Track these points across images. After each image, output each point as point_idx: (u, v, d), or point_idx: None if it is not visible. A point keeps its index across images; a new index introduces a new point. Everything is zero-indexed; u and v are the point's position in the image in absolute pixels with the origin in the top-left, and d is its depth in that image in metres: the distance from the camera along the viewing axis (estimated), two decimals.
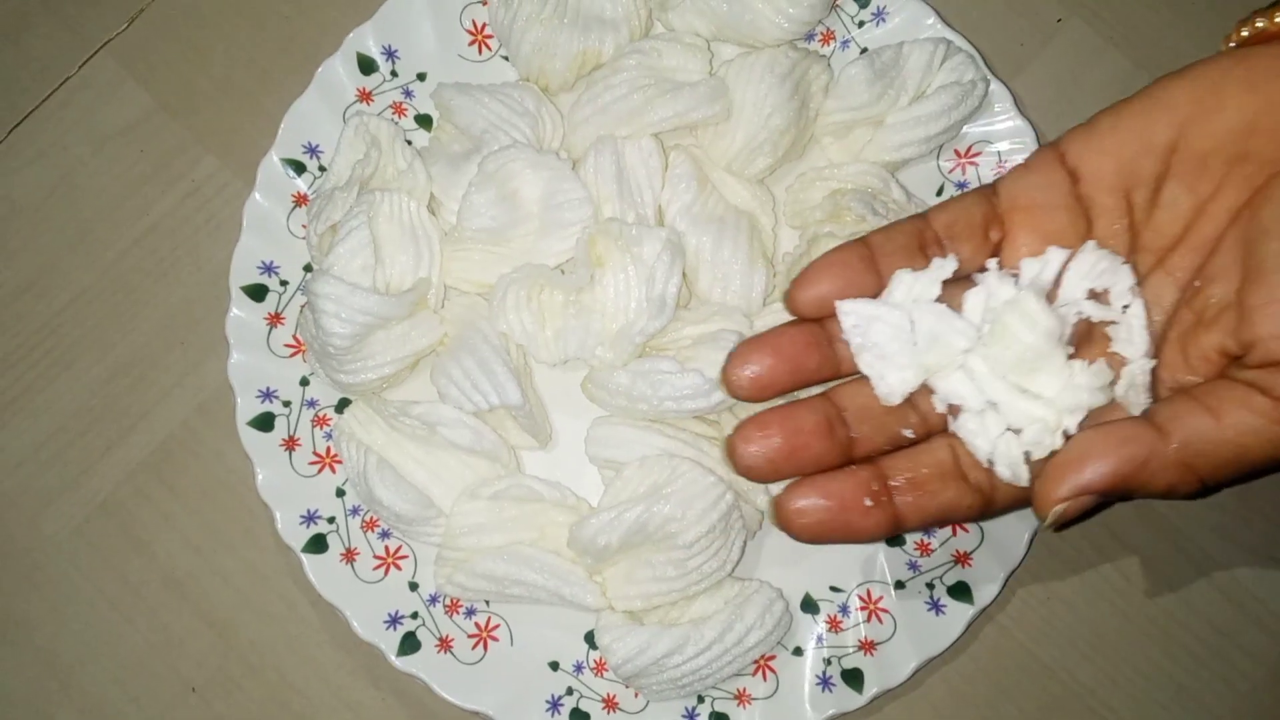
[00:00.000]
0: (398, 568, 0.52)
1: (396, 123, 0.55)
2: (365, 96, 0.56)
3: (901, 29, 0.56)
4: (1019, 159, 0.54)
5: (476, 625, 0.52)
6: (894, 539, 0.52)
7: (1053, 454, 0.36)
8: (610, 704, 0.51)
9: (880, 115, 0.53)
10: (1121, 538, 0.54)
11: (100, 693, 0.53)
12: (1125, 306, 0.38)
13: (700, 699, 0.51)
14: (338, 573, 0.51)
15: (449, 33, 0.56)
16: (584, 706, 0.51)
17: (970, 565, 0.51)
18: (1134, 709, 0.53)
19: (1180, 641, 0.53)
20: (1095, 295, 0.38)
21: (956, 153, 0.56)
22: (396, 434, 0.51)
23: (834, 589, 0.52)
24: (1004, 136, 0.55)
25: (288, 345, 0.54)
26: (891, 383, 0.37)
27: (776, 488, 0.49)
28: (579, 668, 0.51)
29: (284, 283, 0.54)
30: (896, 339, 0.36)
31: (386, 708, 0.53)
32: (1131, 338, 0.37)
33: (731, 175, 0.54)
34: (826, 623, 0.52)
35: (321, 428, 0.53)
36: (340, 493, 0.52)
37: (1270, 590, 0.54)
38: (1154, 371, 0.37)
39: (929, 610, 0.51)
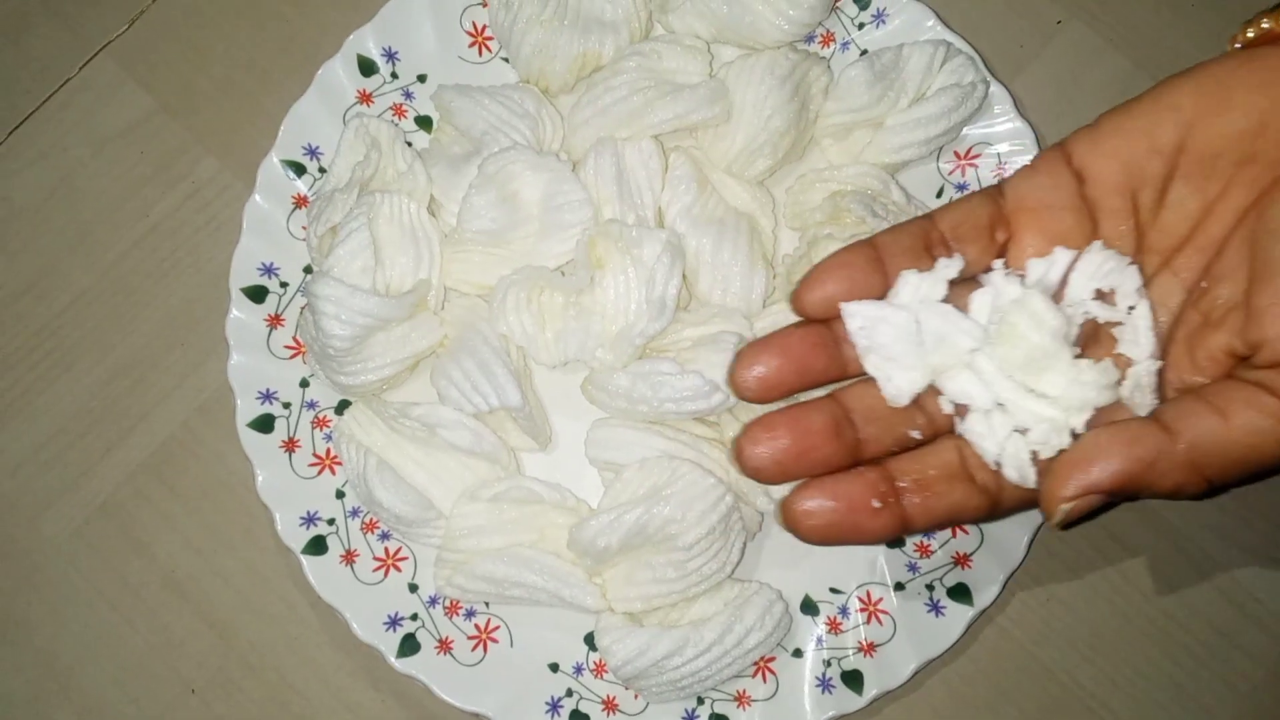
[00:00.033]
0: (397, 569, 0.52)
1: (397, 124, 0.55)
2: (365, 98, 0.56)
3: (901, 31, 0.56)
4: (1019, 160, 0.54)
5: (476, 627, 0.52)
6: (895, 540, 0.52)
7: (1060, 453, 0.36)
8: (610, 705, 0.51)
9: (880, 117, 0.53)
10: (1121, 539, 0.54)
11: (100, 694, 0.53)
12: (1131, 308, 0.38)
13: (700, 701, 0.51)
14: (337, 574, 0.51)
15: (449, 34, 0.57)
16: (584, 708, 0.51)
17: (970, 567, 0.51)
18: (1134, 710, 0.53)
19: (1180, 642, 0.53)
20: (1102, 295, 0.38)
21: (956, 154, 0.56)
22: (396, 436, 0.51)
23: (834, 591, 0.52)
24: (1004, 138, 0.55)
25: (288, 347, 0.54)
26: (899, 384, 0.37)
27: (777, 489, 0.49)
28: (579, 669, 0.52)
29: (284, 284, 0.54)
30: (903, 340, 0.36)
31: (386, 709, 0.53)
32: (1137, 339, 0.37)
33: (731, 177, 0.54)
34: (826, 624, 0.52)
35: (321, 429, 0.53)
36: (340, 494, 0.52)
37: (1270, 591, 0.54)
38: (1160, 372, 0.37)
39: (929, 612, 0.51)
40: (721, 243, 0.52)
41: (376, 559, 0.52)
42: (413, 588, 0.52)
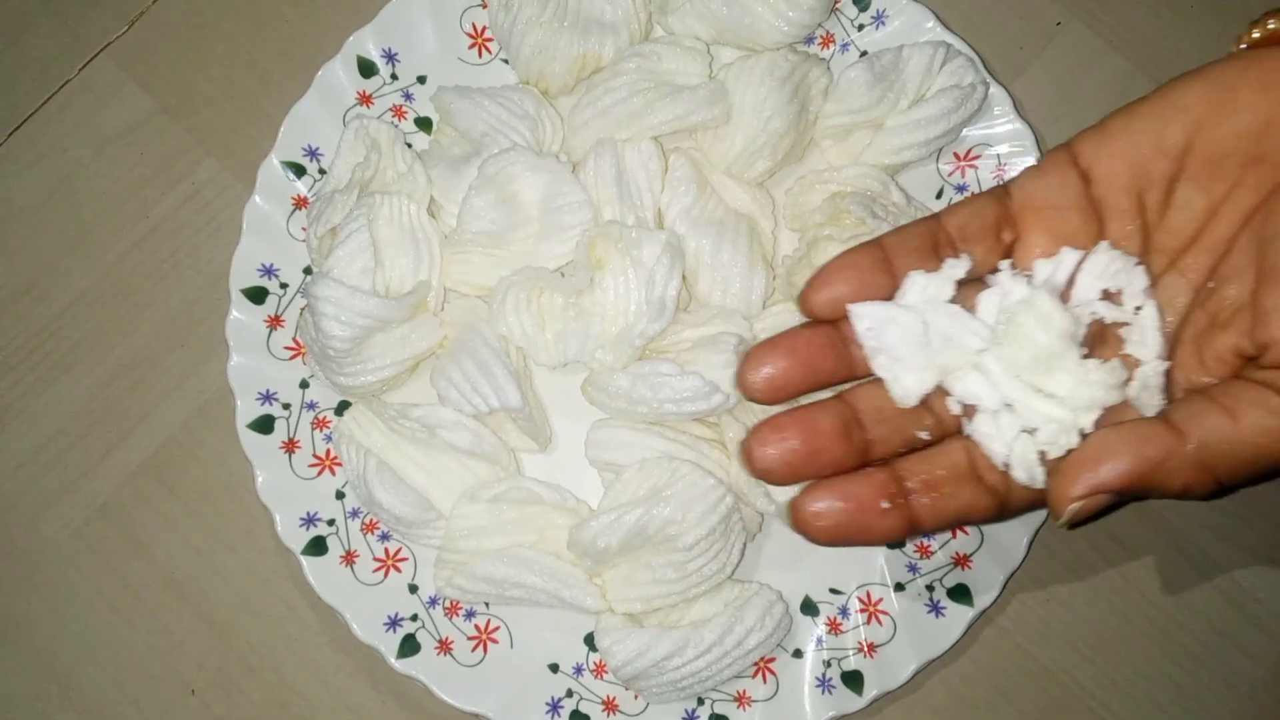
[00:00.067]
0: (397, 570, 0.52)
1: (396, 126, 0.55)
2: (365, 99, 0.56)
3: (901, 32, 0.56)
4: (1019, 162, 0.54)
5: (476, 627, 0.52)
6: (896, 541, 0.52)
7: (1069, 453, 0.36)
8: (610, 706, 0.51)
9: (880, 118, 0.53)
10: (1121, 539, 0.54)
11: (100, 694, 0.53)
12: (1138, 308, 0.38)
13: (700, 701, 0.51)
14: (337, 575, 0.51)
15: (449, 36, 0.57)
16: (584, 709, 0.51)
17: (970, 567, 0.52)
18: (1134, 710, 0.53)
19: (1180, 643, 0.53)
20: (1109, 296, 0.38)
21: (956, 156, 0.56)
22: (396, 436, 0.51)
23: (834, 591, 0.52)
24: (1004, 139, 0.55)
25: (288, 348, 0.54)
26: (907, 384, 0.37)
27: (777, 490, 0.49)
28: (579, 670, 0.52)
29: (284, 285, 0.54)
30: (911, 341, 0.36)
31: (386, 710, 0.53)
32: (1144, 339, 0.37)
33: (731, 178, 0.54)
34: (826, 625, 0.52)
35: (321, 430, 0.53)
36: (340, 495, 0.52)
37: (1270, 591, 0.54)
38: (1168, 373, 0.37)
39: (929, 612, 0.51)
40: (721, 244, 0.52)
41: (376, 560, 0.52)
42: (413, 588, 0.52)
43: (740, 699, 0.51)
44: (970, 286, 0.38)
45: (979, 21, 0.59)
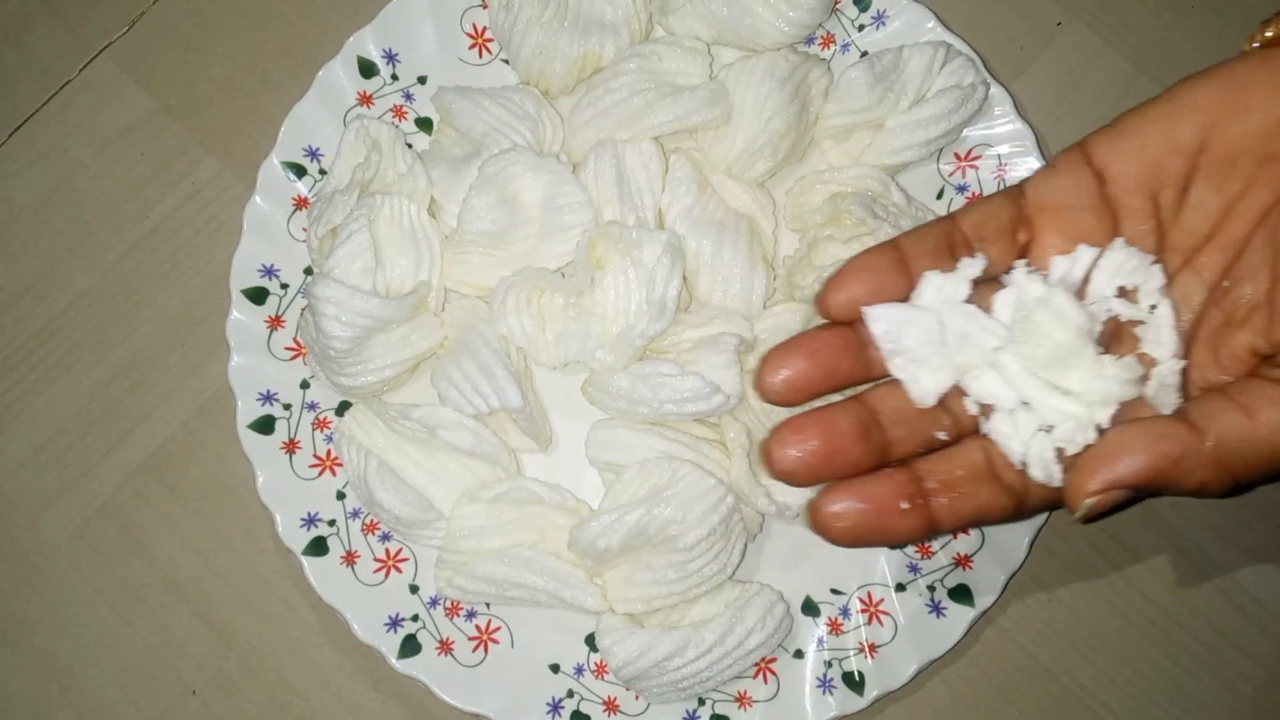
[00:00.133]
0: (398, 570, 0.52)
1: (397, 126, 0.55)
2: (366, 100, 0.56)
3: (901, 33, 0.56)
4: (1019, 162, 0.55)
5: (477, 628, 0.52)
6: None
7: (1086, 448, 0.36)
8: (611, 706, 0.51)
9: (880, 119, 0.53)
10: (1122, 539, 0.54)
11: (100, 695, 0.53)
12: (1153, 307, 0.38)
13: (701, 701, 0.51)
14: (338, 575, 0.51)
15: (449, 36, 0.57)
16: (585, 709, 0.51)
17: (971, 568, 0.52)
18: (1134, 711, 0.53)
19: (1180, 643, 0.53)
20: (1124, 293, 0.38)
21: (956, 156, 0.56)
22: (397, 437, 0.51)
23: (835, 592, 0.52)
24: (1004, 140, 0.55)
25: (288, 348, 0.54)
26: (925, 385, 0.37)
27: (779, 491, 0.49)
28: (580, 670, 0.52)
29: (284, 286, 0.54)
30: (927, 341, 0.36)
31: (387, 710, 0.53)
32: (1160, 338, 0.37)
33: (732, 179, 0.54)
34: (827, 625, 0.52)
35: (322, 430, 0.53)
36: (341, 495, 0.52)
37: (1270, 592, 0.54)
38: (1184, 371, 0.37)
39: (930, 613, 0.51)
40: (722, 244, 0.52)
41: (377, 560, 0.52)
42: (413, 589, 0.52)
43: (741, 699, 0.51)
44: (986, 286, 0.38)
45: (979, 22, 0.59)
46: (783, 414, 0.47)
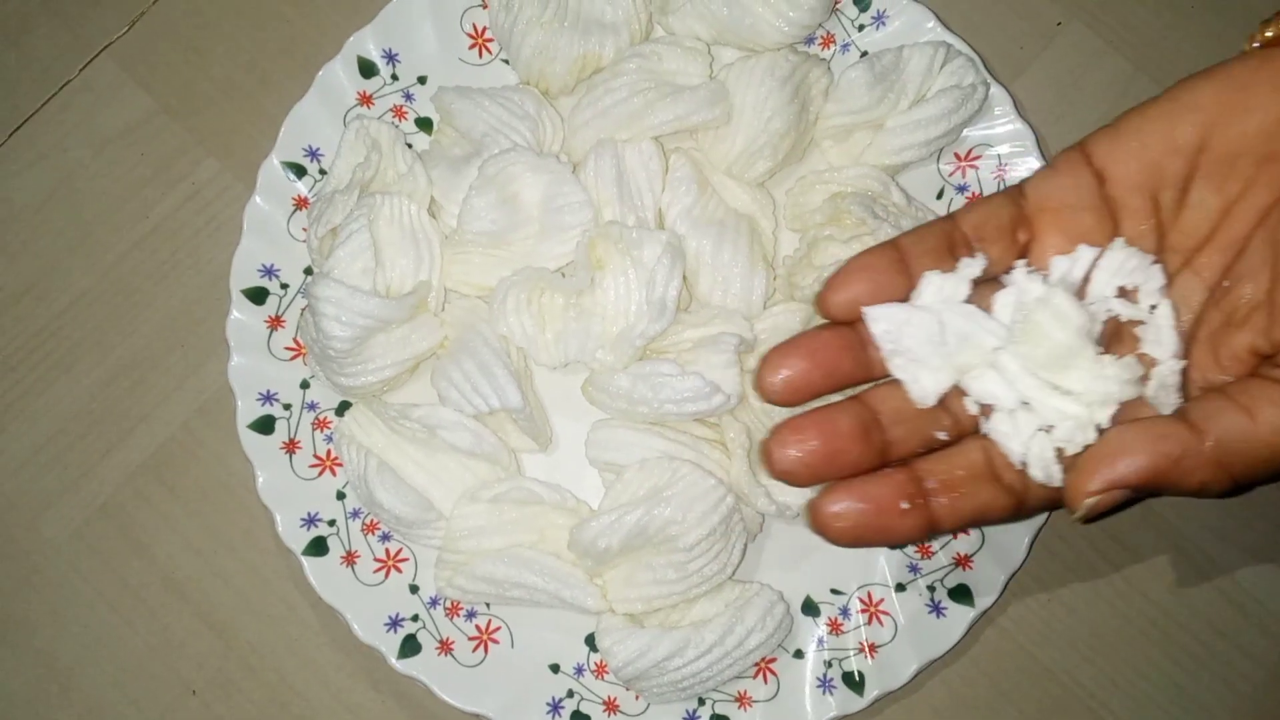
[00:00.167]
0: (398, 570, 0.52)
1: (397, 126, 0.55)
2: (366, 100, 0.56)
3: (901, 33, 0.56)
4: (1019, 162, 0.55)
5: (477, 628, 0.52)
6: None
7: (1086, 448, 0.36)
8: (611, 706, 0.51)
9: (880, 119, 0.53)
10: (1122, 539, 0.54)
11: (100, 695, 0.53)
12: (1153, 307, 0.38)
13: (701, 701, 0.51)
14: (338, 575, 0.51)
15: (449, 36, 0.57)
16: (585, 709, 0.51)
17: (971, 568, 0.52)
18: (1134, 711, 0.53)
19: (1180, 643, 0.53)
20: (1124, 293, 0.38)
21: (956, 156, 0.56)
22: (397, 437, 0.51)
23: (835, 592, 0.52)
24: (1004, 140, 0.55)
25: (288, 348, 0.54)
26: (925, 385, 0.37)
27: (779, 491, 0.49)
28: (580, 670, 0.52)
29: (284, 286, 0.54)
30: (927, 342, 0.36)
31: (387, 710, 0.53)
32: (1160, 338, 0.37)
33: (732, 178, 0.54)
34: (827, 625, 0.52)
35: (322, 430, 0.53)
36: (341, 495, 0.52)
37: (1270, 592, 0.54)
38: (1184, 371, 0.37)
39: (930, 613, 0.51)
40: (722, 244, 0.52)
41: (377, 560, 0.52)
42: (413, 589, 0.52)
43: (741, 699, 0.51)
44: (986, 286, 0.38)
45: (979, 21, 0.59)
46: (783, 414, 0.47)
